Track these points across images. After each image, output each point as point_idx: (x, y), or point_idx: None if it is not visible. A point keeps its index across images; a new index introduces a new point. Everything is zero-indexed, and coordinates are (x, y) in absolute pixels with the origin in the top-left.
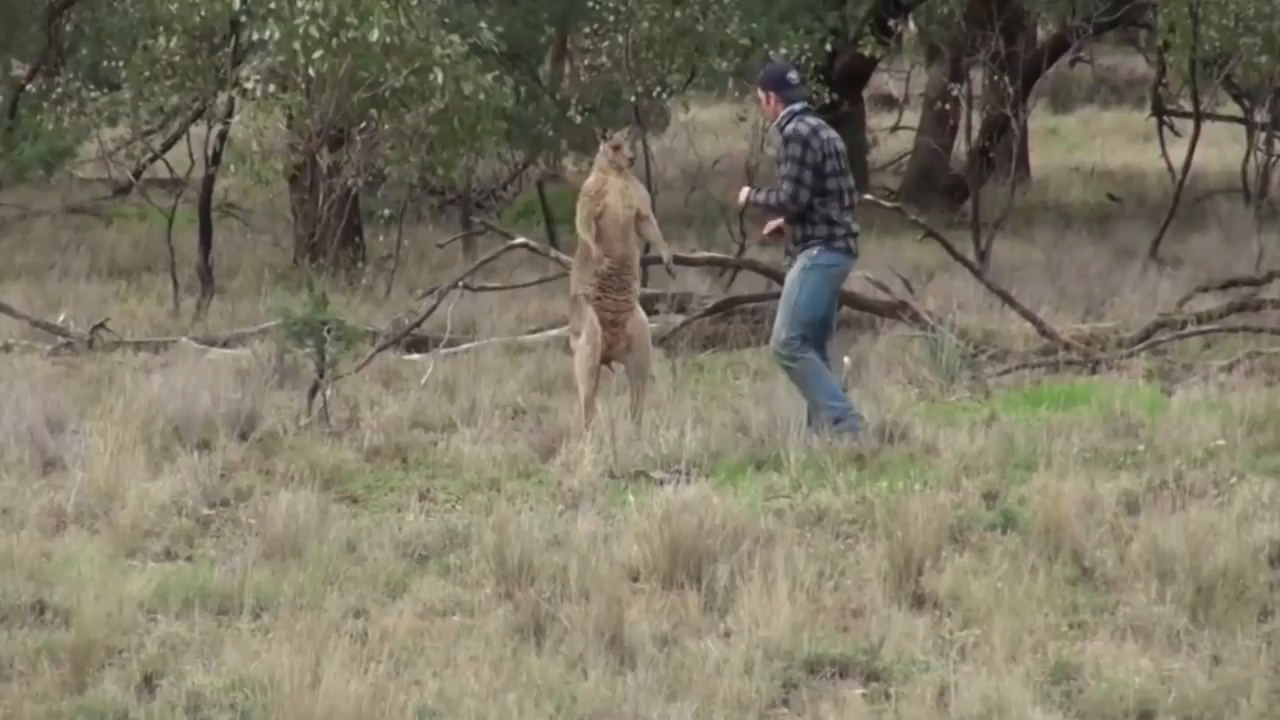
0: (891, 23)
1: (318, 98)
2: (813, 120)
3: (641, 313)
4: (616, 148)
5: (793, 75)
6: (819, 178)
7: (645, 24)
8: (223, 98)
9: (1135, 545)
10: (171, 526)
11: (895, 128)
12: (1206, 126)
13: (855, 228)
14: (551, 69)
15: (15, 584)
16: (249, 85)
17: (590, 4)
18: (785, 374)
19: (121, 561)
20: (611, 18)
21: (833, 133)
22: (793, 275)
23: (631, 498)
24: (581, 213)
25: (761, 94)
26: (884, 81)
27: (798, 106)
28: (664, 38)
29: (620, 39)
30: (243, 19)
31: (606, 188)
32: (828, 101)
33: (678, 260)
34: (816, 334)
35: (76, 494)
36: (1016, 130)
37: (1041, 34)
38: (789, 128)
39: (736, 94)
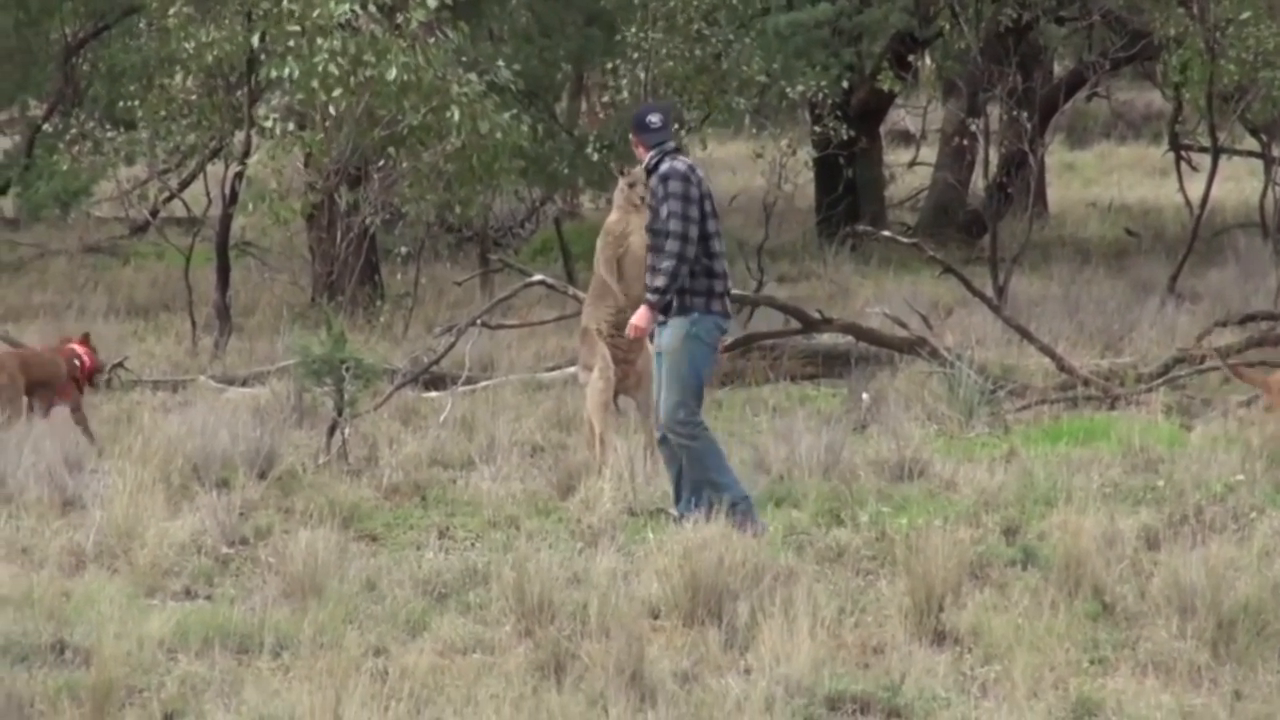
0: (909, 58)
1: (335, 136)
2: (686, 159)
3: (651, 348)
4: (632, 185)
5: (654, 118)
6: (700, 219)
7: (669, 62)
8: (240, 136)
9: (1156, 580)
10: (191, 565)
11: (912, 163)
12: (1223, 161)
13: (730, 283)
14: (568, 106)
15: (35, 623)
16: (267, 124)
17: (617, 38)
18: (681, 453)
19: (141, 601)
20: (635, 54)
21: (704, 174)
22: (673, 346)
23: (651, 535)
24: (604, 254)
25: (632, 137)
26: (901, 117)
27: (669, 146)
28: (684, 75)
29: (641, 74)
30: (261, 57)
31: (630, 228)
32: (845, 138)
33: None
34: (701, 401)
35: (96, 533)
36: (1034, 165)
37: (1058, 69)
38: (664, 166)
39: (754, 131)
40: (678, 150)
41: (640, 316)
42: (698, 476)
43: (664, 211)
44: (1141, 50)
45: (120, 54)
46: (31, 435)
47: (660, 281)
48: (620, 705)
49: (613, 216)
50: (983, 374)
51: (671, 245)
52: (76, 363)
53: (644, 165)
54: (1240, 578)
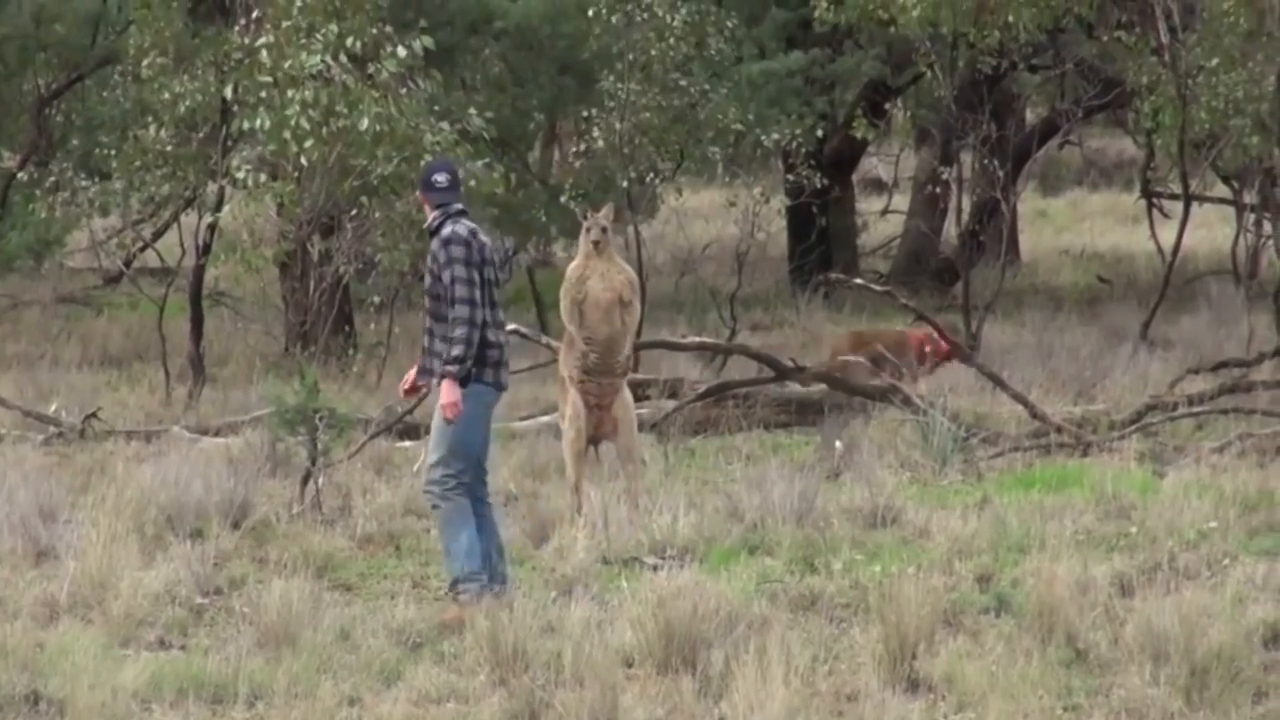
0: (883, 106)
1: (308, 186)
2: (469, 223)
3: (628, 394)
4: (588, 230)
5: (439, 177)
6: (482, 285)
7: (647, 113)
8: (213, 187)
9: (1129, 627)
10: (165, 616)
11: (885, 211)
12: (1195, 208)
13: (507, 353)
14: (541, 155)
15: (9, 674)
16: (239, 174)
17: (595, 86)
18: (433, 513)
19: (115, 651)
20: (612, 104)
21: (488, 240)
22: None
23: (625, 583)
24: (565, 300)
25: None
26: (873, 165)
27: (454, 208)
28: (659, 124)
29: (617, 124)
30: (233, 108)
31: (588, 272)
32: (818, 186)
33: (669, 346)
34: (475, 470)
35: (69, 584)
36: (1006, 213)
37: (1031, 117)
38: (445, 229)
39: (727, 179)
40: (462, 213)
41: (446, 394)
42: (442, 540)
43: (447, 277)
44: (1114, 98)
45: (95, 105)
46: (5, 486)
47: (458, 350)
48: None
49: (574, 262)
50: (956, 421)
51: (462, 311)
52: (928, 348)
53: (427, 225)
54: (1213, 625)
